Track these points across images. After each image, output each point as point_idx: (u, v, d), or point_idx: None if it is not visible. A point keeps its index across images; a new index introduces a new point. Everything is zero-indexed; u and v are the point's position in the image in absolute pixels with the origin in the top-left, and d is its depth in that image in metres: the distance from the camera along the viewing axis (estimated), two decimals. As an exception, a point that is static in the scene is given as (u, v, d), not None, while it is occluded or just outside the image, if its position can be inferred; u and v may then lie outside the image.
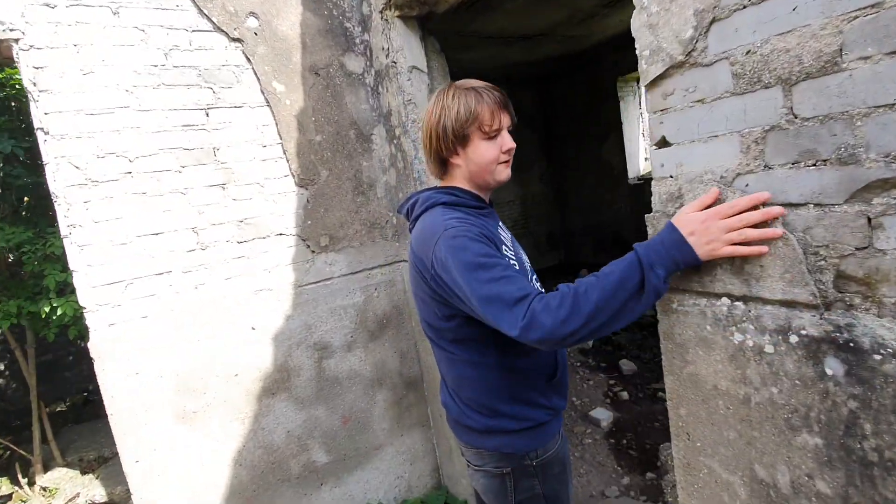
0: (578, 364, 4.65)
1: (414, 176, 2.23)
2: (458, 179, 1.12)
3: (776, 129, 0.91)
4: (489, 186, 1.12)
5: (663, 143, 1.11)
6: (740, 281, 0.99)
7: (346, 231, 2.39)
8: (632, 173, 6.92)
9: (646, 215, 1.17)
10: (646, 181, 6.68)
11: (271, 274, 2.20)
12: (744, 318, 1.00)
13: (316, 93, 2.32)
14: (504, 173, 1.11)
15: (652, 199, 1.15)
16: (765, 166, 0.93)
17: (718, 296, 1.04)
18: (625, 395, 3.97)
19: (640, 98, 7.19)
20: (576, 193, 7.79)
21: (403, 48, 2.19)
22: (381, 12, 2.20)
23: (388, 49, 2.22)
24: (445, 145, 1.06)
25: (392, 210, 2.49)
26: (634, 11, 1.09)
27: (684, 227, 0.93)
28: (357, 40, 2.43)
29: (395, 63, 2.20)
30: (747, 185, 0.96)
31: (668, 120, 1.08)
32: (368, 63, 2.43)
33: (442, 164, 1.11)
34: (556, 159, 8.01)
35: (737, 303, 1.01)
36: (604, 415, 3.60)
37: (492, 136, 1.06)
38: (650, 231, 1.17)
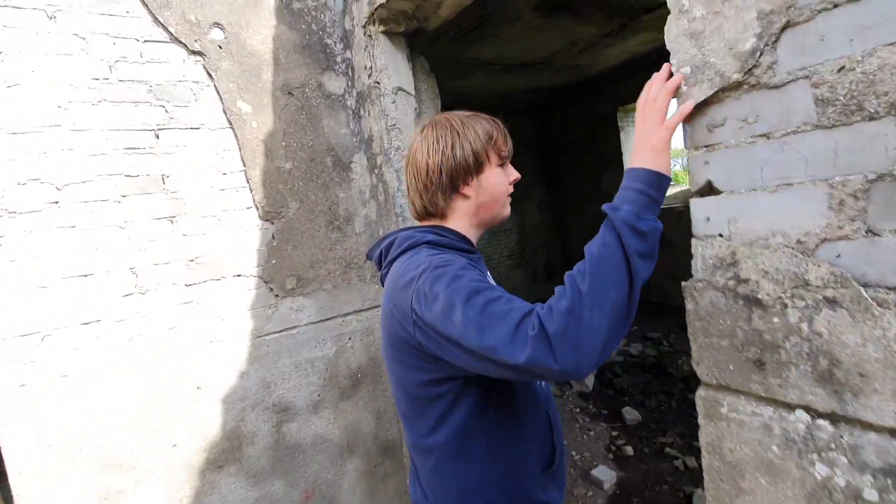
0: (578, 410, 4.30)
1: (396, 210, 1.95)
2: (457, 217, 0.96)
3: (887, 180, 0.62)
4: (492, 223, 0.99)
5: (709, 189, 0.82)
6: (827, 392, 0.69)
7: (317, 272, 2.09)
8: (634, 204, 6.71)
9: (683, 283, 0.88)
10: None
11: (225, 322, 1.88)
12: (832, 446, 0.70)
13: (288, 115, 2.05)
14: (508, 209, 1.00)
15: (693, 262, 0.86)
16: (867, 231, 0.64)
17: (792, 407, 0.74)
18: (629, 449, 3.61)
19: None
20: (577, 222, 7.58)
21: (388, 67, 1.93)
22: (363, 27, 1.95)
23: (371, 68, 1.97)
24: (459, 173, 0.92)
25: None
26: (670, 17, 0.82)
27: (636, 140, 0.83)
28: (338, 58, 2.19)
29: (378, 83, 1.95)
30: (839, 257, 0.67)
31: (717, 160, 0.80)
32: (350, 83, 2.17)
33: (443, 199, 0.94)
34: (555, 188, 7.82)
35: (821, 422, 0.71)
36: (606, 475, 3.23)
37: (503, 163, 0.95)
38: (689, 305, 0.87)
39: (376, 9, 1.81)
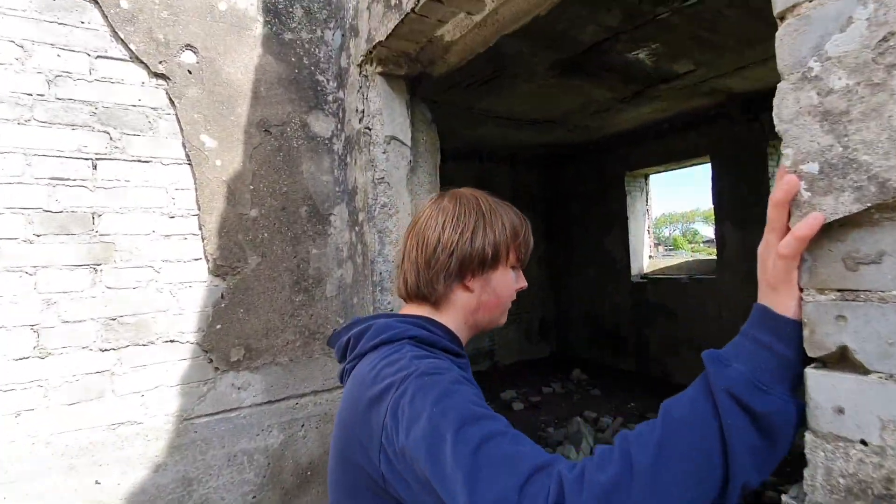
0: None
1: (374, 278, 1.62)
2: (452, 311, 0.82)
3: None
4: (486, 328, 0.87)
5: (843, 360, 0.50)
6: None
7: (272, 341, 1.73)
8: (634, 270, 6.48)
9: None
10: (649, 280, 6.20)
11: (144, 399, 1.50)
12: None
13: (262, 155, 1.77)
14: (506, 316, 0.87)
15: (806, 473, 0.53)
16: None
17: None
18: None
19: (646, 195, 6.90)
20: (575, 281, 7.30)
21: (382, 112, 1.67)
22: (359, 66, 1.70)
23: (364, 111, 1.70)
24: (471, 262, 0.79)
25: (343, 316, 1.85)
26: (783, 85, 0.53)
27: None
28: (329, 97, 1.93)
29: (369, 129, 1.67)
30: None
31: (863, 317, 0.49)
32: (339, 126, 1.91)
33: (444, 284, 0.80)
34: (556, 243, 7.59)
35: None
36: None
37: (517, 267, 0.85)
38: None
39: (375, 46, 1.57)
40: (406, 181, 1.70)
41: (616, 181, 6.62)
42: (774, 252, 0.53)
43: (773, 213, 0.54)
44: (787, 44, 0.52)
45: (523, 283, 0.86)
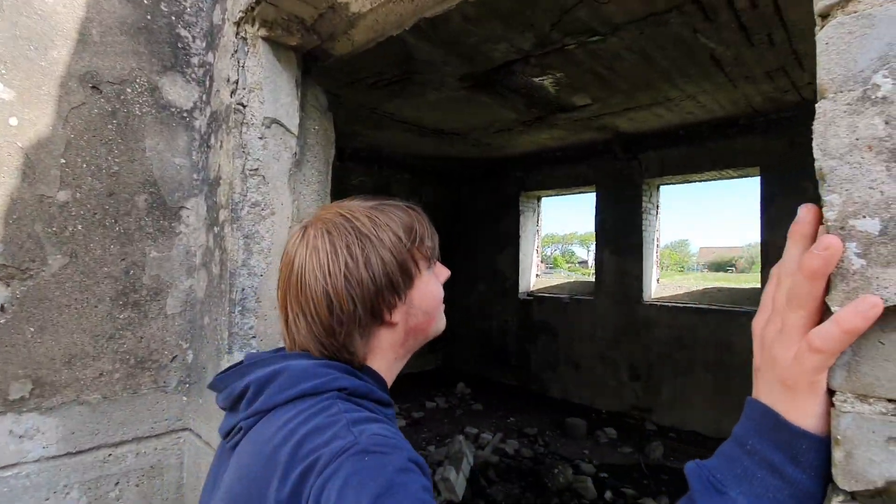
0: (445, 532, 3.67)
1: (233, 295, 1.26)
2: (378, 354, 0.66)
3: None
4: (417, 348, 0.71)
5: (886, 498, 0.35)
6: None
7: (78, 371, 1.27)
8: (522, 287, 6.73)
9: None
10: (534, 298, 6.47)
11: None
12: None
13: (85, 119, 1.30)
14: (444, 318, 0.73)
15: None
16: None
17: None
18: None
19: (538, 216, 7.22)
20: (464, 297, 7.34)
21: (262, 87, 1.33)
22: (236, 24, 1.34)
23: (238, 83, 1.34)
24: (381, 298, 0.62)
25: (188, 340, 1.44)
26: (823, 112, 0.38)
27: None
28: (194, 59, 1.52)
29: (242, 106, 1.32)
30: None
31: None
32: (205, 97, 1.51)
33: (362, 339, 0.63)
34: (451, 257, 7.58)
35: None
36: None
37: (431, 264, 0.70)
38: None
39: (259, 2, 1.23)
40: (288, 176, 1.38)
41: (512, 201, 6.83)
42: (804, 341, 0.37)
43: (804, 287, 0.37)
44: (837, 50, 0.37)
45: (446, 273, 0.72)
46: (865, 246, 0.35)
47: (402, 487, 0.45)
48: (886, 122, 0.35)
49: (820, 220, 0.39)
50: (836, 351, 0.36)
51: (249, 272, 1.28)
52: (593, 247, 7.03)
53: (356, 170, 6.50)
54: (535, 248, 7.37)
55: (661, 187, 5.74)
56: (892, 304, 0.34)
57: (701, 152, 4.94)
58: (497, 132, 5.30)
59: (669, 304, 5.35)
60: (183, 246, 1.46)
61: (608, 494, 4.00)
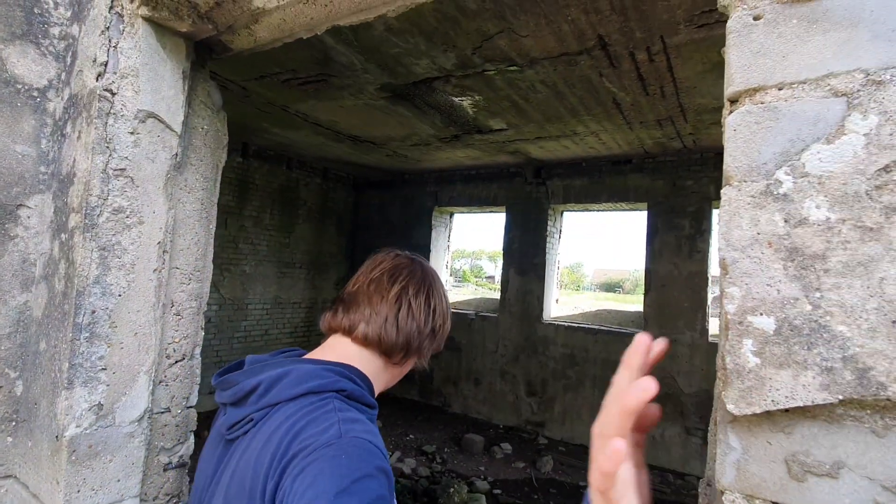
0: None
1: (79, 319, 1.04)
2: (383, 370, 0.84)
3: None
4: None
5: None
6: None
7: None
8: (431, 303, 6.71)
9: None
10: (443, 316, 6.50)
11: None
12: None
13: None
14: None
15: None
16: None
17: None
18: None
19: (450, 231, 7.31)
20: (372, 312, 7.14)
21: (139, 74, 1.14)
22: (111, -2, 1.14)
23: (107, 66, 1.13)
24: (431, 346, 0.88)
25: (17, 368, 1.17)
26: (728, 200, 0.37)
27: None
28: (54, 30, 1.27)
29: (111, 93, 1.11)
30: None
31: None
32: (64, 76, 1.26)
33: (412, 352, 0.84)
34: (356, 268, 7.37)
35: None
36: None
37: None
38: None
39: (140, -23, 1.05)
40: (165, 181, 1.19)
41: (425, 214, 6.83)
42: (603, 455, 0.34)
43: (616, 419, 0.34)
44: (744, 138, 0.36)
45: None
46: (761, 344, 0.34)
47: (363, 490, 0.54)
48: (786, 221, 0.34)
49: (650, 349, 0.36)
50: (605, 488, 0.34)
51: (104, 291, 1.07)
52: (500, 263, 7.27)
53: (261, 168, 6.07)
54: (446, 263, 7.43)
55: (565, 213, 6.11)
56: (782, 406, 0.33)
57: (599, 185, 5.35)
58: (414, 145, 5.28)
59: (566, 324, 5.68)
60: (19, 253, 1.19)
61: (500, 511, 4.07)
